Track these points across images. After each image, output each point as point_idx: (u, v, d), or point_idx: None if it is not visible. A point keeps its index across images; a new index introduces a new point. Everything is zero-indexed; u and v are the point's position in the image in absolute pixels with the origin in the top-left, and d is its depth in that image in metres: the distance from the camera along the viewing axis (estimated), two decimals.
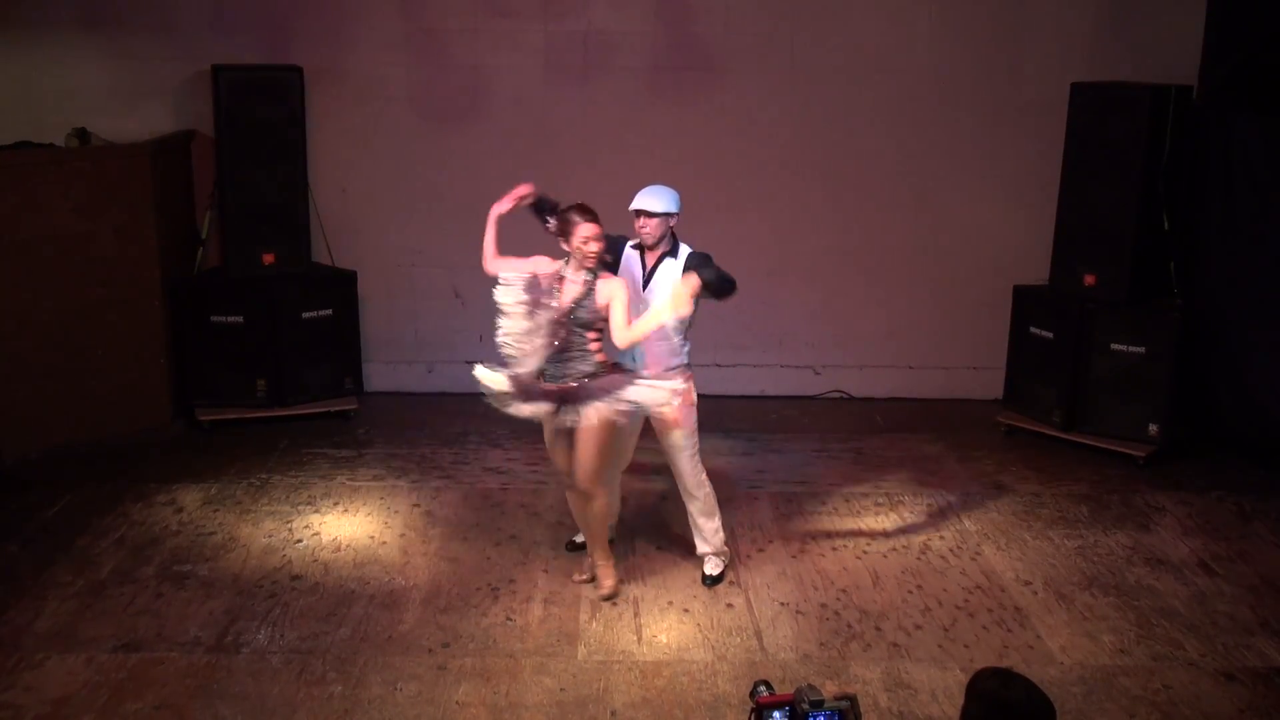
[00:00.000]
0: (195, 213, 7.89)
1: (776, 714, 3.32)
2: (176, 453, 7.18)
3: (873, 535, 6.29)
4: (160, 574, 5.71)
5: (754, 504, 6.63)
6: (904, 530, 6.36)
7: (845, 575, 5.86)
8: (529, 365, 5.24)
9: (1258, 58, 7.31)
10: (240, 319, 7.54)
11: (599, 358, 5.29)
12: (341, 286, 7.86)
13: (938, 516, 6.53)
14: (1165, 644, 5.30)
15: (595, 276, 5.27)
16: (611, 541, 5.79)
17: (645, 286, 5.49)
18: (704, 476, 5.71)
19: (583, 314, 5.23)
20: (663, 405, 5.30)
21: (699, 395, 5.64)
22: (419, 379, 8.24)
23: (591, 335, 5.26)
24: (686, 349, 5.54)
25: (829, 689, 3.46)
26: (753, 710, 3.36)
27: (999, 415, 7.82)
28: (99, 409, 7.24)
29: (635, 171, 7.90)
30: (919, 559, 6.04)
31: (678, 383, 5.36)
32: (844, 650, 5.20)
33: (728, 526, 6.02)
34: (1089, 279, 7.35)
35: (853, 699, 3.30)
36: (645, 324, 5.17)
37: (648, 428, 5.70)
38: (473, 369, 5.26)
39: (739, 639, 5.28)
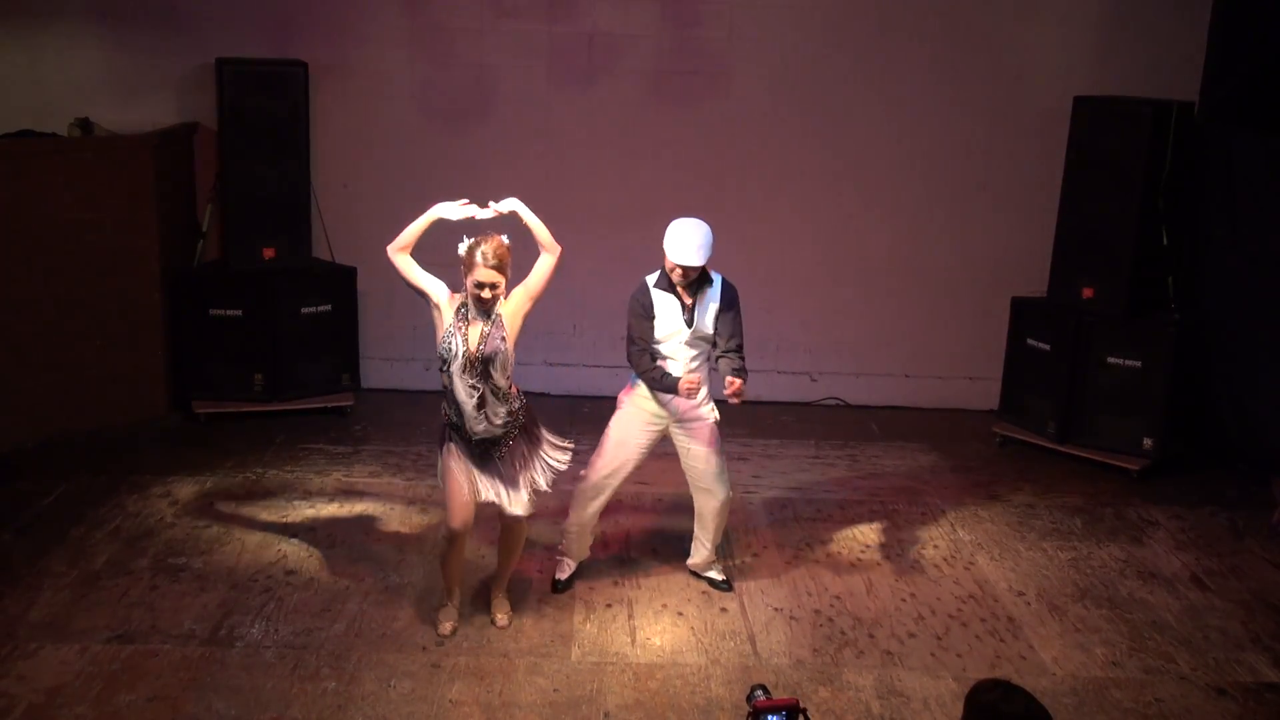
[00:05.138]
0: (196, 205, 7.90)
1: (773, 718, 3.33)
2: (172, 445, 7.17)
3: (867, 543, 6.31)
4: (155, 566, 5.71)
5: (749, 509, 6.64)
6: (898, 538, 6.37)
7: (839, 582, 5.88)
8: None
9: (1260, 76, 7.35)
10: (239, 312, 7.54)
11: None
12: (341, 282, 7.86)
13: (932, 525, 6.55)
14: (1157, 657, 5.32)
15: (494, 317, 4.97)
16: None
17: (690, 325, 5.34)
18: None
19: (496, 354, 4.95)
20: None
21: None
22: (416, 376, 8.23)
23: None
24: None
25: (820, 692, 3.48)
26: (750, 714, 3.37)
27: (994, 426, 7.85)
28: (96, 399, 7.23)
29: (637, 174, 7.98)
30: (913, 567, 6.06)
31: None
32: (837, 657, 5.21)
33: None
34: (1087, 292, 7.38)
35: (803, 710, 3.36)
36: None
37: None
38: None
39: (733, 643, 5.29)
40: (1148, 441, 7.28)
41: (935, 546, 6.30)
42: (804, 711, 3.39)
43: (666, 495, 6.58)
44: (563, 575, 5.71)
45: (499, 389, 4.98)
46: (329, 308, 7.78)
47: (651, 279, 5.39)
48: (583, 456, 7.17)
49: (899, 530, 6.47)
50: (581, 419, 7.79)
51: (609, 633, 5.33)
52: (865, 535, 6.39)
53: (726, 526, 5.84)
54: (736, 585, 5.77)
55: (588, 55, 7.93)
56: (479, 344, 4.93)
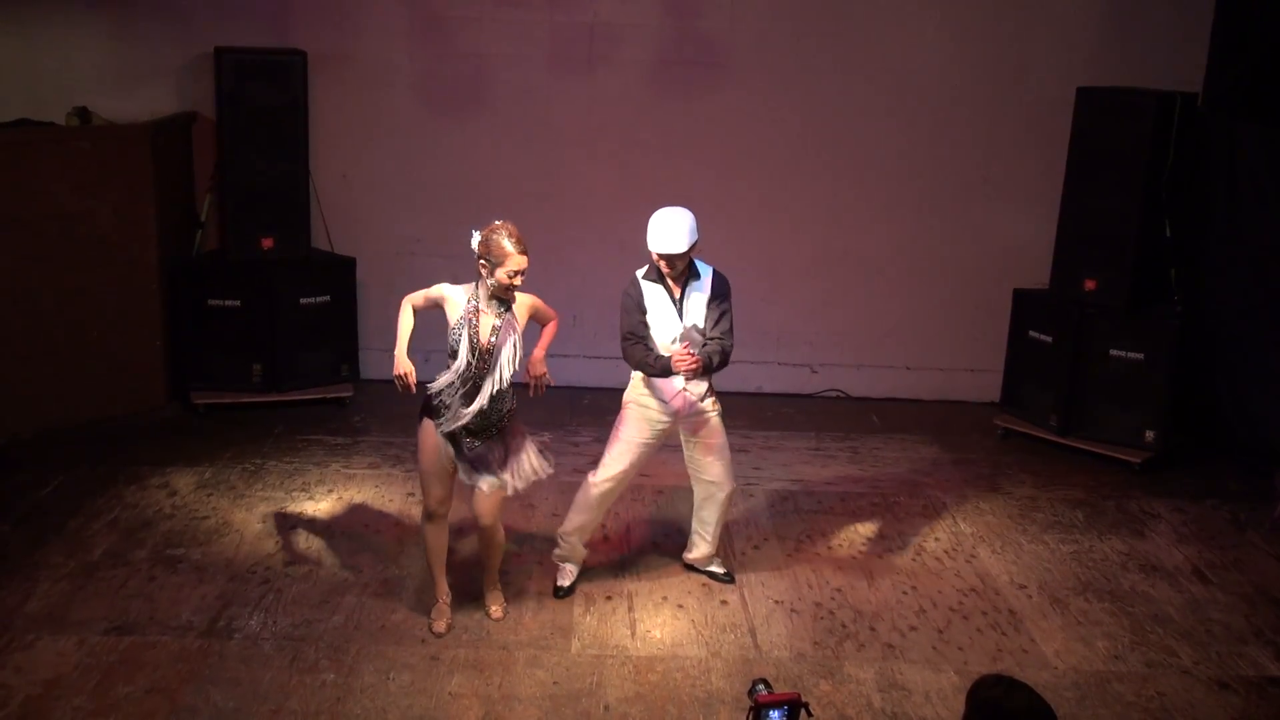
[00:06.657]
0: (195, 195, 7.86)
1: (775, 713, 3.31)
2: (171, 436, 7.15)
3: (868, 535, 6.28)
4: (153, 557, 5.69)
5: (750, 501, 6.62)
6: (899, 531, 6.35)
7: (840, 575, 5.85)
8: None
9: (1263, 67, 7.31)
10: (238, 303, 7.50)
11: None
12: (340, 273, 7.82)
13: (933, 518, 6.53)
14: (1159, 651, 5.30)
15: (509, 309, 4.99)
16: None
17: (680, 318, 5.29)
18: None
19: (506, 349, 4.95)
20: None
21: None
22: (416, 368, 8.17)
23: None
24: None
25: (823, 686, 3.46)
26: (751, 709, 3.35)
27: (996, 418, 7.82)
28: (94, 390, 7.20)
29: (637, 165, 7.94)
30: (914, 560, 6.04)
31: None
32: (838, 650, 5.19)
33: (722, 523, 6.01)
34: (1089, 284, 7.34)
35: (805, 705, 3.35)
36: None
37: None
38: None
39: (733, 636, 5.27)
40: (1149, 434, 7.25)
41: (936, 539, 6.28)
42: (805, 706, 3.37)
43: (667, 487, 6.56)
44: (564, 582, 5.60)
45: (502, 382, 4.95)
46: (328, 298, 7.74)
47: (641, 272, 5.36)
48: (581, 448, 7.18)
49: (900, 523, 6.45)
50: (581, 410, 7.77)
51: (609, 625, 5.31)
52: (866, 528, 6.37)
53: (727, 519, 5.81)
54: (737, 578, 5.74)
55: (588, 45, 7.88)
56: (490, 336, 4.92)
